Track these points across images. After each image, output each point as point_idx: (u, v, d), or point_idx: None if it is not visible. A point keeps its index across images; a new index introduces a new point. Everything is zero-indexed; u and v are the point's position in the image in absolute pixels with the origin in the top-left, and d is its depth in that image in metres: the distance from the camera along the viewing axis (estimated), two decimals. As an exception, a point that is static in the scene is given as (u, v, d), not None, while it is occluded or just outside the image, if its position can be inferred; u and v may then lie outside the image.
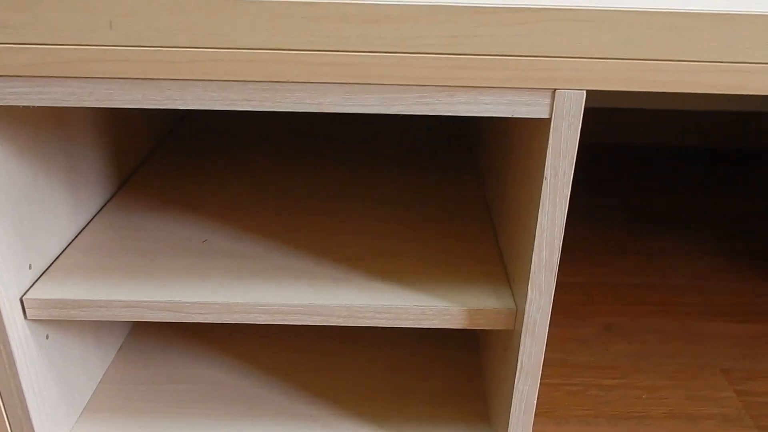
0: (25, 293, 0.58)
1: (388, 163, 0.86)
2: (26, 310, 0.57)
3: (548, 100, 0.47)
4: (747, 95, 0.56)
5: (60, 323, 0.63)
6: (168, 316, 0.58)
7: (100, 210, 0.72)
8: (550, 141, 0.48)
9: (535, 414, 0.80)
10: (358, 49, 0.45)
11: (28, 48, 0.45)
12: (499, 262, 0.63)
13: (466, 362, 0.77)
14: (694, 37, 0.45)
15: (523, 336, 0.55)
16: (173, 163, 0.84)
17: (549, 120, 0.47)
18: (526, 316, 0.54)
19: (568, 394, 0.84)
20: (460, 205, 0.74)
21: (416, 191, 0.78)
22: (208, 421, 0.68)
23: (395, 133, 0.95)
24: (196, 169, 0.83)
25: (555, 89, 0.46)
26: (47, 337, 0.61)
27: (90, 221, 0.70)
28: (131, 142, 0.81)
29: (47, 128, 0.60)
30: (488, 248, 0.66)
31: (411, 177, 0.82)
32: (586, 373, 0.88)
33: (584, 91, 0.46)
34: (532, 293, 0.53)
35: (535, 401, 0.58)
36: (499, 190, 0.68)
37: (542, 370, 0.87)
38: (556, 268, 0.52)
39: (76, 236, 0.67)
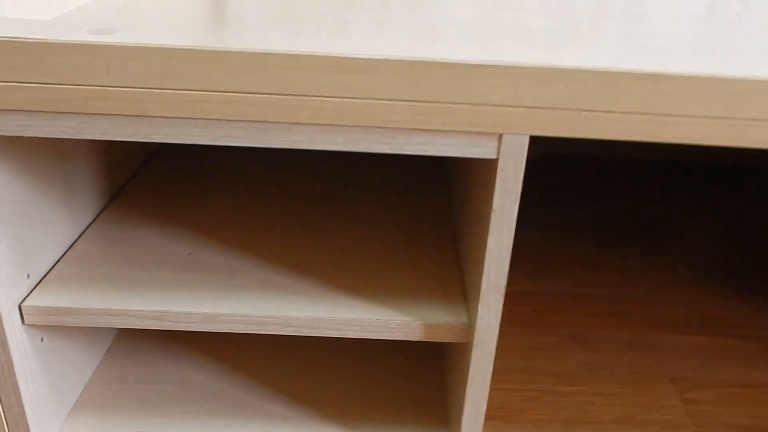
0: (23, 300, 0.62)
1: (367, 183, 0.91)
2: (24, 316, 0.62)
3: (495, 143, 0.53)
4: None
5: (54, 327, 0.68)
6: (154, 324, 0.63)
7: (92, 222, 0.77)
8: (498, 178, 0.53)
9: (492, 417, 0.86)
10: (328, 95, 0.51)
11: (33, 86, 0.51)
12: (458, 281, 0.69)
13: (430, 370, 0.82)
14: (627, 91, 0.51)
15: (474, 348, 0.61)
16: (161, 178, 0.89)
17: (496, 160, 0.53)
18: (476, 331, 0.60)
19: (525, 399, 0.89)
20: (429, 227, 0.80)
21: (390, 212, 0.83)
22: (189, 420, 0.73)
23: (375, 155, 1.01)
24: (183, 183, 0.88)
25: (501, 134, 0.52)
26: (42, 340, 0.66)
27: (83, 233, 0.75)
28: (122, 158, 0.86)
29: (45, 148, 0.65)
30: (450, 268, 0.71)
31: (386, 198, 0.87)
32: (545, 380, 0.92)
33: (528, 136, 0.52)
34: (482, 311, 0.59)
35: (485, 407, 0.64)
36: (461, 216, 0.74)
37: (503, 376, 0.93)
38: (503, 290, 0.58)
39: (71, 247, 0.72)
